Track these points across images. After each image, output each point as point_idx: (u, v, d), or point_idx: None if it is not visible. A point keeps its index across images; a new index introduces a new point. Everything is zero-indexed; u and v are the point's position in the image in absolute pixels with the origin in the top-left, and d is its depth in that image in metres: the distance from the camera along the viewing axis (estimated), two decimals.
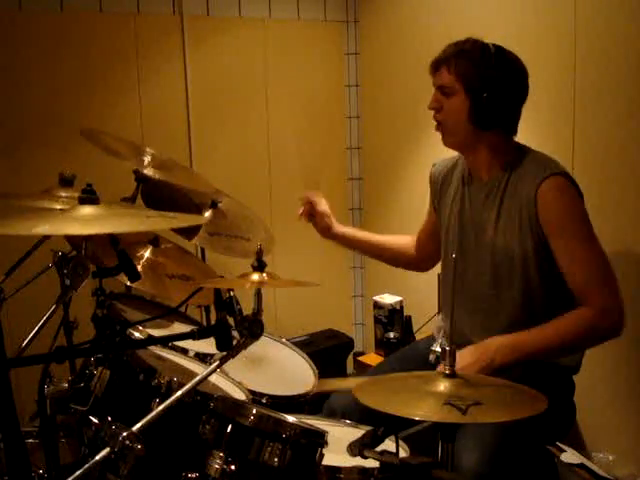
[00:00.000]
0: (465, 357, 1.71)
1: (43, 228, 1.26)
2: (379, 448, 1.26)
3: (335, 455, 1.43)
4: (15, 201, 1.85)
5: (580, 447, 2.27)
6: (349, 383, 1.81)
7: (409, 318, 2.92)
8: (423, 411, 1.21)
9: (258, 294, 1.39)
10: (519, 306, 1.85)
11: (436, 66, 1.85)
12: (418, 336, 2.80)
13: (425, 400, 1.26)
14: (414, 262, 2.26)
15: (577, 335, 1.72)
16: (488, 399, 1.25)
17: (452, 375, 1.32)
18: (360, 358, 3.06)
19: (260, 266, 1.43)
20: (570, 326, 1.72)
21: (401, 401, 1.28)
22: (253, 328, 1.36)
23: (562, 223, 1.76)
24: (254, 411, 1.37)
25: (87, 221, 1.26)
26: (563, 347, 1.75)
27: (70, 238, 1.86)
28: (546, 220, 1.76)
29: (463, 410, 1.18)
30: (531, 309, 1.84)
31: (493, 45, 1.81)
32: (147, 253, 2.17)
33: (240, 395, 1.73)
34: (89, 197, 1.29)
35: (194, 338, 1.36)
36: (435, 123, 1.88)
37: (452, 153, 2.02)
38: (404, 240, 2.27)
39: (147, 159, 2.24)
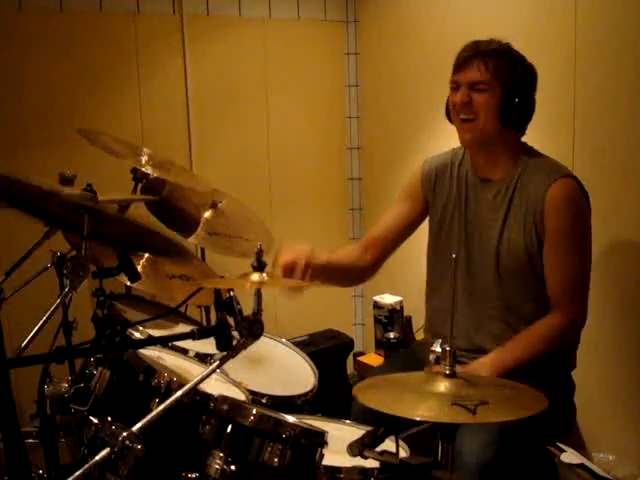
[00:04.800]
0: None
1: None
2: (379, 448, 1.26)
3: (335, 455, 1.43)
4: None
5: (580, 447, 2.27)
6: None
7: (409, 318, 2.91)
8: (432, 412, 1.21)
9: (258, 294, 1.39)
10: (527, 302, 1.87)
11: (466, 62, 1.83)
12: (418, 336, 2.80)
13: (428, 401, 1.26)
14: (368, 269, 2.09)
15: (549, 343, 1.84)
16: (492, 398, 1.25)
17: (452, 375, 1.32)
18: (360, 358, 3.07)
19: (260, 266, 1.43)
20: (543, 336, 1.84)
21: (404, 402, 1.28)
22: (253, 328, 1.36)
23: (561, 229, 1.81)
24: (254, 411, 1.37)
25: None
26: (537, 354, 1.83)
27: (70, 238, 1.86)
28: (549, 222, 1.80)
29: (472, 410, 1.18)
30: (539, 303, 1.86)
31: None
32: (147, 253, 2.17)
33: (240, 395, 1.73)
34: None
35: (194, 338, 1.36)
36: (460, 120, 1.86)
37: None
38: (349, 252, 2.08)
39: (144, 159, 2.24)
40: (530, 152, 1.91)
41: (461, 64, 1.84)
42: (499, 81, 1.80)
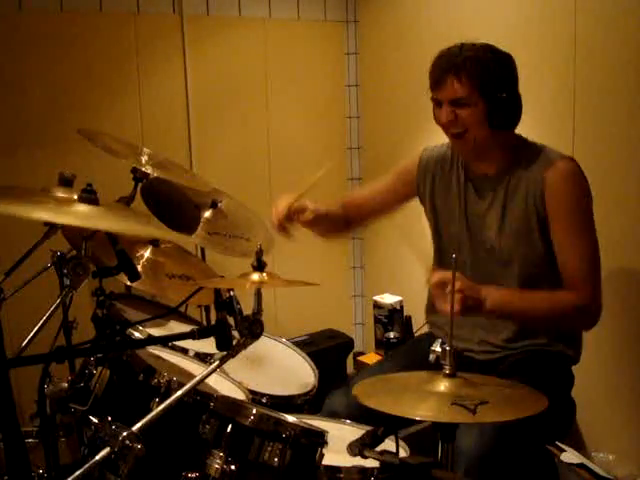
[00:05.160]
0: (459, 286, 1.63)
1: (42, 214, 1.25)
2: (379, 448, 1.26)
3: (335, 455, 1.43)
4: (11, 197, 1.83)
5: (580, 447, 2.27)
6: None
7: (409, 318, 2.92)
8: (432, 412, 1.21)
9: (258, 294, 1.39)
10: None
11: (440, 79, 1.79)
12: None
13: (428, 400, 1.26)
14: (342, 227, 2.18)
15: (561, 311, 1.78)
16: (492, 398, 1.25)
17: (452, 375, 1.32)
18: (360, 358, 3.06)
19: (260, 266, 1.43)
20: (558, 302, 1.77)
21: (404, 402, 1.28)
22: (253, 328, 1.37)
23: (566, 209, 1.78)
24: (254, 411, 1.37)
25: (85, 217, 1.26)
26: (545, 318, 1.79)
27: (70, 238, 1.86)
28: (551, 203, 1.78)
29: (472, 410, 1.18)
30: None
31: (483, 43, 1.81)
32: (147, 253, 2.17)
33: (240, 395, 1.73)
34: (88, 197, 1.29)
35: (194, 338, 1.36)
36: (450, 135, 1.84)
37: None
38: (333, 205, 2.15)
39: (144, 159, 2.24)
40: (525, 142, 1.89)
41: (436, 81, 1.80)
42: (478, 91, 1.76)
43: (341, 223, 2.15)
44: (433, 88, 1.82)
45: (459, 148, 1.88)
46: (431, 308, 2.08)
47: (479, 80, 1.75)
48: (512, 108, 1.82)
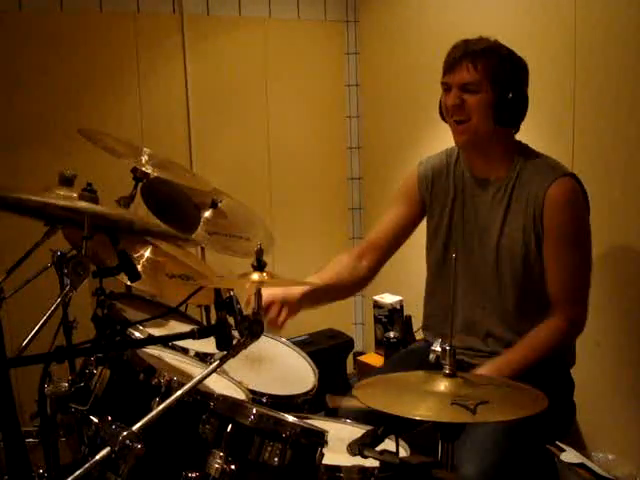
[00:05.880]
0: None
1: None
2: (379, 447, 1.27)
3: (335, 454, 1.43)
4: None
5: (580, 447, 2.27)
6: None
7: (409, 318, 2.92)
8: (432, 412, 1.21)
9: (258, 294, 1.39)
10: (525, 302, 1.87)
11: (455, 63, 1.81)
12: (418, 336, 2.81)
13: (428, 400, 1.26)
14: (364, 276, 2.07)
15: (550, 346, 1.82)
16: (492, 397, 1.25)
17: (452, 375, 1.32)
18: (360, 358, 3.07)
19: (260, 266, 1.43)
20: (544, 341, 1.81)
21: (404, 402, 1.28)
22: (253, 328, 1.36)
23: (562, 230, 1.81)
24: (254, 411, 1.37)
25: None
26: (539, 359, 1.81)
27: (70, 238, 1.85)
28: (548, 222, 1.80)
29: (472, 410, 1.18)
30: (531, 304, 1.87)
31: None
32: (147, 253, 2.17)
33: (240, 395, 1.73)
34: (89, 196, 1.29)
35: (194, 337, 1.36)
36: (453, 121, 1.85)
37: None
38: (341, 265, 2.04)
39: (145, 158, 2.24)
40: (526, 150, 1.91)
41: (450, 65, 1.83)
42: (489, 81, 1.79)
43: (352, 282, 2.03)
44: (446, 72, 1.85)
45: (460, 137, 1.87)
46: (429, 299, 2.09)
47: (493, 70, 1.78)
48: (518, 107, 1.83)
